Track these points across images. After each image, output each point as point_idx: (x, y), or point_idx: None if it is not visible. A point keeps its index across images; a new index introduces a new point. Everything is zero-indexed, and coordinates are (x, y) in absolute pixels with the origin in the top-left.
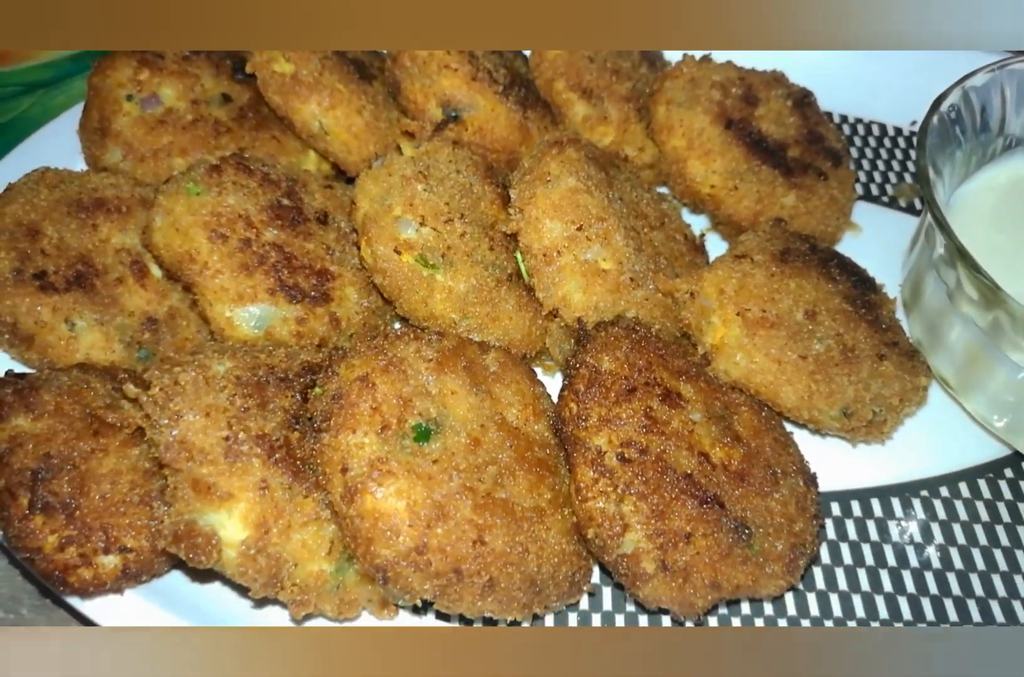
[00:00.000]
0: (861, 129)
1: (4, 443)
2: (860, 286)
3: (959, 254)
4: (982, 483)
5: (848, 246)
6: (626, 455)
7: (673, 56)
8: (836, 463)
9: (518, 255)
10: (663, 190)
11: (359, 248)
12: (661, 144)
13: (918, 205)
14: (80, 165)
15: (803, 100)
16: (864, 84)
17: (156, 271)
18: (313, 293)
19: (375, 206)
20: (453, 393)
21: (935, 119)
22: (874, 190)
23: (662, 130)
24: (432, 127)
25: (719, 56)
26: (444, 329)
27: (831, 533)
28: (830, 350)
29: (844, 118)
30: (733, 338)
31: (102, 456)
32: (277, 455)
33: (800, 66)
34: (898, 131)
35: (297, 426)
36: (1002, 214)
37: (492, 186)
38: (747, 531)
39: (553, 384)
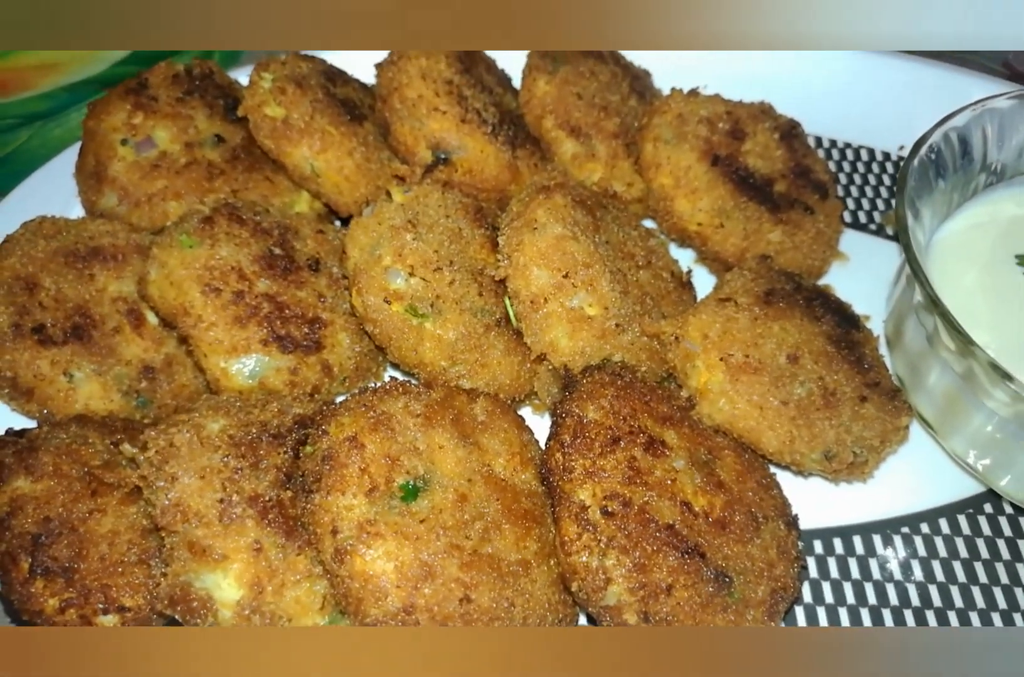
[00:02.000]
0: (850, 154)
1: (5, 506)
2: (844, 324)
3: (934, 305)
4: (961, 519)
5: (835, 276)
6: (609, 508)
7: (662, 82)
8: (819, 501)
9: (507, 300)
10: (651, 224)
11: (351, 295)
12: (649, 181)
13: None
14: (77, 207)
15: (790, 132)
16: (853, 109)
17: (152, 318)
18: (305, 342)
19: (365, 256)
20: (441, 448)
21: (915, 163)
22: (862, 218)
23: (649, 167)
24: (422, 170)
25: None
26: (433, 376)
27: (813, 572)
28: (811, 394)
29: (833, 143)
30: (716, 383)
31: (100, 517)
32: (270, 515)
33: (790, 92)
34: (886, 156)
35: (289, 485)
36: (984, 252)
37: (482, 229)
38: (727, 579)
39: (543, 423)
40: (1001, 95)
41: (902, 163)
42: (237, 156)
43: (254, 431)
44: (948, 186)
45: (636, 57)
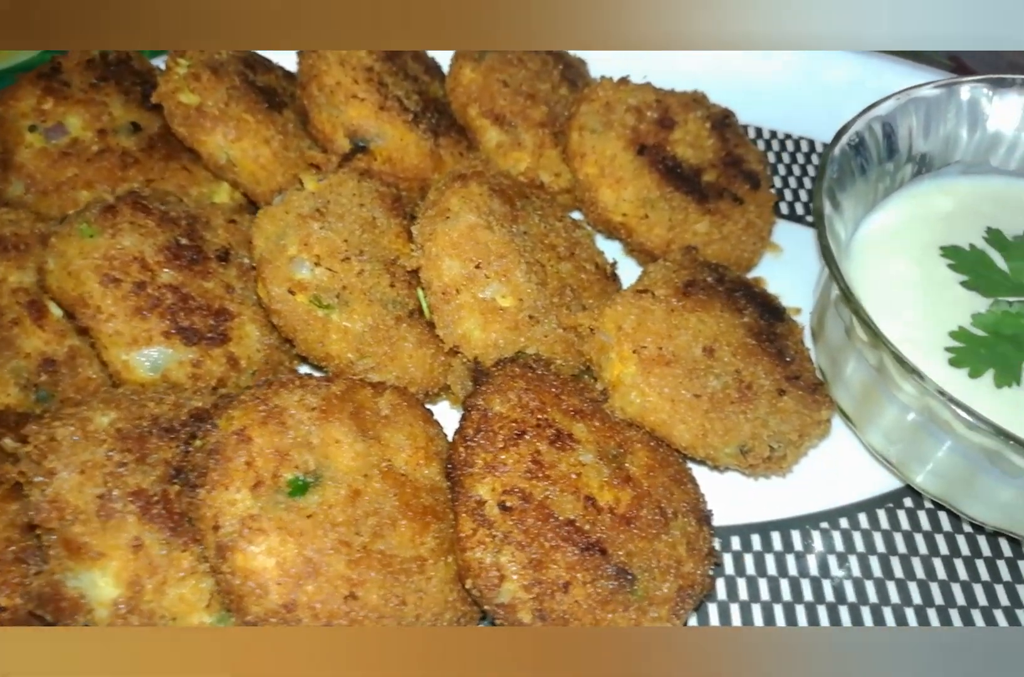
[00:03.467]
0: (789, 145)
1: None
2: (767, 317)
3: (846, 298)
4: (881, 514)
5: (768, 268)
6: (507, 503)
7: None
8: (737, 496)
9: (419, 291)
10: (580, 215)
11: (257, 287)
12: (574, 171)
13: None
14: None
15: (723, 121)
16: (795, 100)
17: (57, 310)
18: (210, 334)
19: (270, 246)
20: (336, 442)
21: (836, 152)
22: (798, 209)
23: (575, 157)
24: (339, 158)
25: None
26: (341, 370)
27: (729, 568)
28: (727, 387)
29: (773, 134)
30: (629, 376)
31: None
32: (154, 511)
33: (730, 83)
34: (827, 147)
35: (176, 479)
36: (910, 244)
37: (398, 218)
38: (629, 576)
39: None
40: (927, 84)
41: None
42: (154, 144)
43: (145, 425)
44: (873, 177)
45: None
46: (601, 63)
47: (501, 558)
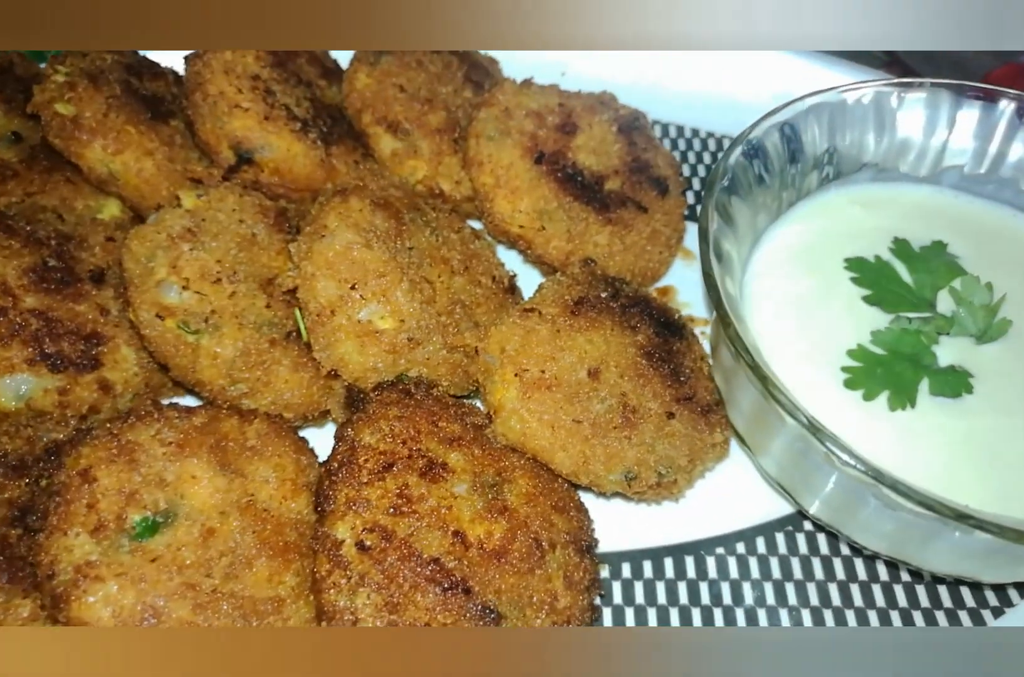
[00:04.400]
0: (711, 144)
1: None
2: (663, 334)
3: (723, 324)
4: (780, 537)
5: (679, 276)
6: (367, 542)
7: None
8: (629, 522)
9: (297, 312)
10: (480, 226)
11: (128, 312)
12: (472, 180)
13: None
14: None
15: (632, 124)
16: (717, 95)
17: None
18: (79, 359)
19: (139, 268)
20: (193, 478)
21: (731, 161)
22: None
23: (472, 165)
24: (224, 170)
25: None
26: (214, 396)
27: (618, 597)
28: (611, 412)
29: (695, 132)
30: (509, 400)
31: None
32: None
33: (648, 81)
34: (721, 157)
35: (19, 522)
36: (814, 256)
37: (281, 233)
38: (494, 615)
39: None
40: (831, 89)
41: None
42: (36, 155)
43: None
44: (775, 185)
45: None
46: (517, 64)
47: (356, 601)
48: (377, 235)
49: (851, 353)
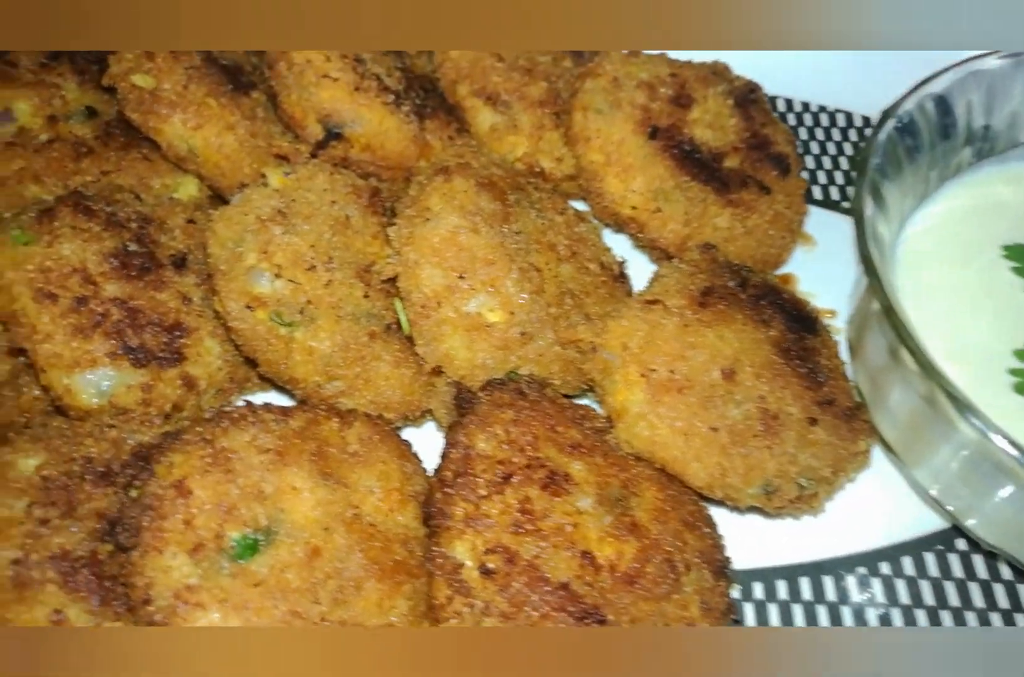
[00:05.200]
0: (824, 119)
1: None
2: (797, 329)
3: (890, 319)
4: (929, 557)
5: (799, 264)
6: (490, 566)
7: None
8: (760, 536)
9: (397, 303)
10: (584, 206)
11: (214, 301)
12: (578, 157)
13: None
14: None
15: (747, 96)
16: (828, 66)
17: None
18: (162, 353)
19: (226, 254)
20: (293, 490)
21: (882, 137)
22: (833, 194)
23: (578, 141)
24: (312, 147)
25: None
26: (308, 394)
27: (750, 620)
28: (749, 417)
29: (806, 106)
30: (636, 404)
31: None
32: (79, 577)
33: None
34: (866, 122)
35: (109, 537)
36: (966, 243)
37: (376, 215)
38: None
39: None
40: (990, 54)
41: None
42: (111, 132)
43: (76, 469)
44: (924, 163)
45: None
46: None
47: None
48: (483, 218)
49: (1019, 353)
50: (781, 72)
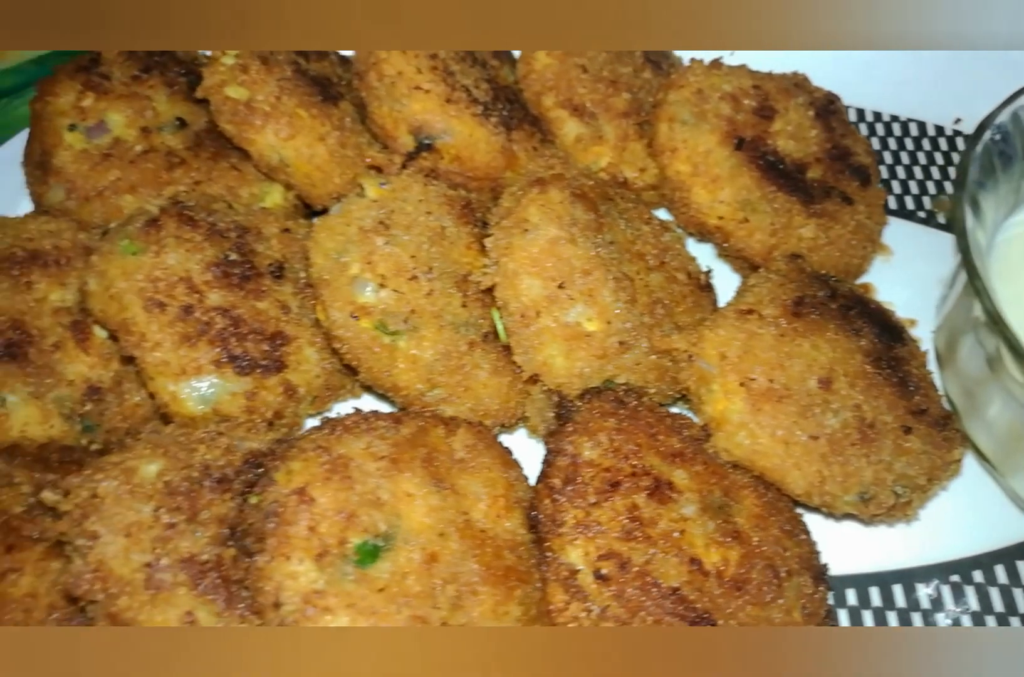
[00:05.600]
0: (896, 129)
1: None
2: (886, 338)
3: (995, 325)
4: (1022, 566)
5: (876, 273)
6: (604, 571)
7: (683, 55)
8: (853, 541)
9: (494, 312)
10: (664, 214)
11: (316, 310)
12: (663, 167)
13: None
14: (26, 201)
15: (827, 108)
16: (901, 75)
17: (100, 331)
18: (265, 361)
19: (329, 264)
20: (409, 496)
21: (979, 150)
22: (908, 203)
23: (664, 151)
24: (402, 158)
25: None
26: (410, 401)
27: (846, 625)
28: (847, 426)
29: (877, 116)
30: (735, 413)
31: (16, 577)
32: (207, 580)
33: (826, 58)
34: (939, 131)
35: (232, 542)
36: None
37: (469, 226)
38: None
39: (539, 449)
40: None
41: (959, 140)
42: (201, 142)
43: (195, 475)
44: (1017, 173)
45: None
46: None
47: None
48: (579, 229)
49: None
50: (854, 83)
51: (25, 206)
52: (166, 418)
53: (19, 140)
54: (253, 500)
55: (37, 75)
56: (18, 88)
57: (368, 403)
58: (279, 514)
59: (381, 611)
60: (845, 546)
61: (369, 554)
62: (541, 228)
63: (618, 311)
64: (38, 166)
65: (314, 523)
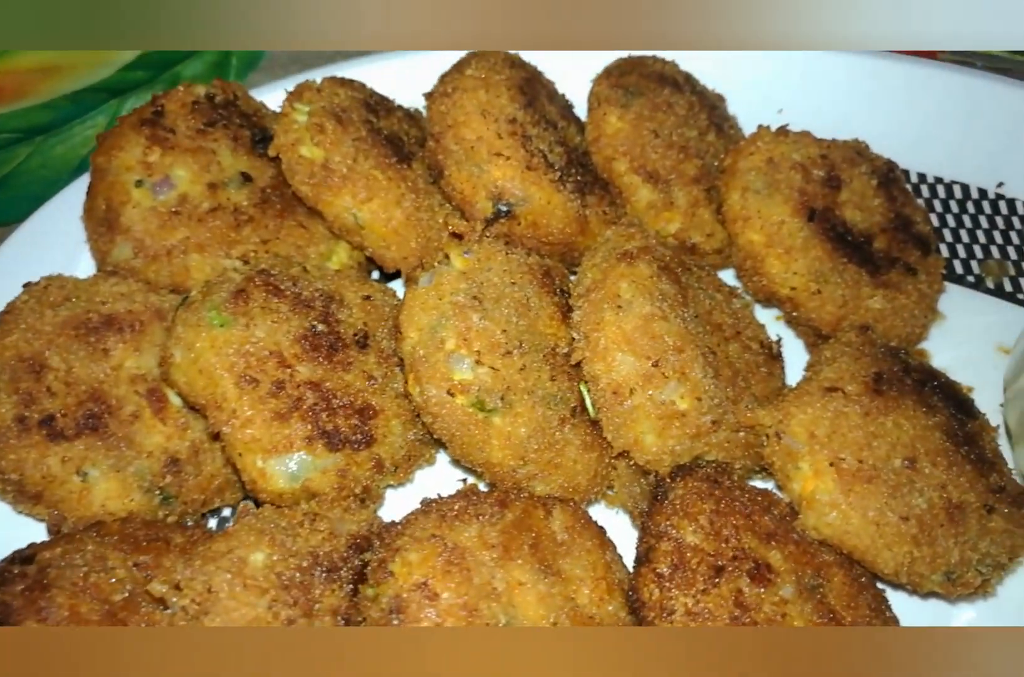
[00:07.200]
0: (941, 191)
1: None
2: (959, 413)
3: None
4: None
5: (931, 339)
6: None
7: (739, 114)
8: (934, 617)
9: (582, 386)
10: (729, 277)
11: (406, 382)
12: (735, 235)
13: (1007, 286)
14: (85, 254)
15: (888, 176)
16: (944, 138)
17: (175, 399)
18: (355, 436)
19: (424, 338)
20: (520, 585)
21: None
22: (957, 268)
23: (736, 220)
24: (482, 224)
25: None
26: (501, 477)
27: None
28: (933, 506)
29: (922, 177)
30: (825, 493)
31: None
32: None
33: (876, 121)
34: (982, 194)
35: None
36: None
37: (549, 295)
38: None
39: (618, 520)
40: None
41: (1002, 204)
42: (267, 198)
43: (304, 564)
44: None
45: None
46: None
47: None
48: (669, 304)
49: None
50: (903, 149)
51: (84, 259)
52: (245, 491)
53: (75, 190)
54: (369, 592)
55: (72, 112)
56: (53, 125)
57: (442, 469)
58: (404, 610)
59: None
60: (918, 619)
61: None
62: (634, 304)
63: (708, 388)
64: (102, 223)
65: (440, 619)
